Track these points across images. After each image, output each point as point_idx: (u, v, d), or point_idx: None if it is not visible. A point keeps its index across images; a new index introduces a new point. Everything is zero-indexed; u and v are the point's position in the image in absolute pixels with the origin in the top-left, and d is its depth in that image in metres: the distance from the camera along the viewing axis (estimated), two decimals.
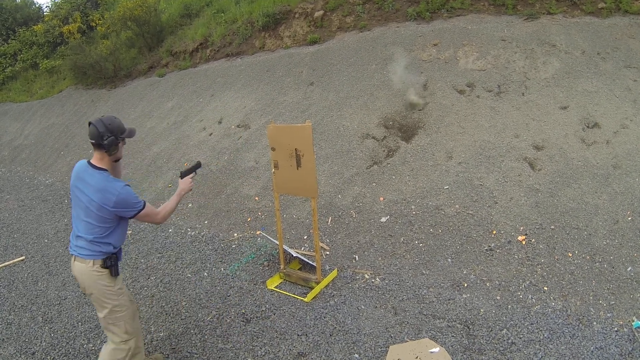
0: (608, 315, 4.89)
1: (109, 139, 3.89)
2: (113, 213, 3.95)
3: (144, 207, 4.05)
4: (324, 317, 5.39)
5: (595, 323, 4.81)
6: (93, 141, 3.92)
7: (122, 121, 4.14)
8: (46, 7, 33.36)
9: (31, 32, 23.53)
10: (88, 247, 4.00)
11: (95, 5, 21.85)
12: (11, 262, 8.11)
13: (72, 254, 4.11)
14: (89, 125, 3.94)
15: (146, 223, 4.17)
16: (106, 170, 4.01)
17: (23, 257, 8.22)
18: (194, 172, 4.72)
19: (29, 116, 19.88)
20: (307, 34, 12.23)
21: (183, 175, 4.61)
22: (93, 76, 18.12)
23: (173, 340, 5.36)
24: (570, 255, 5.63)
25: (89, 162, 4.05)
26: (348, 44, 11.10)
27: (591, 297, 5.11)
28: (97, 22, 20.30)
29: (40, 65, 22.19)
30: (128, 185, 4.03)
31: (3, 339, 5.85)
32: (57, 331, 5.80)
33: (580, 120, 7.29)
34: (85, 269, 4.02)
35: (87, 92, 18.57)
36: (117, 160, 4.23)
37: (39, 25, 22.60)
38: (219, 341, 5.24)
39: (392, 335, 4.97)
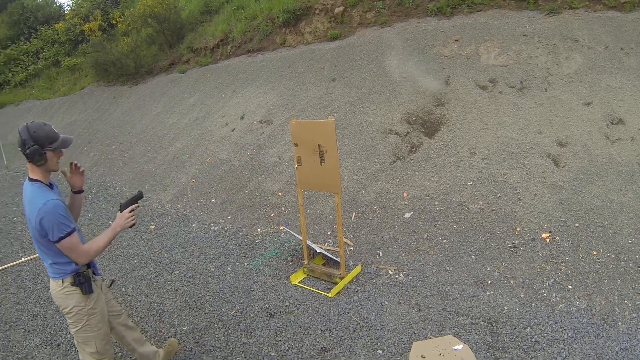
0: (633, 315, 4.84)
1: (31, 147, 3.51)
2: (38, 231, 3.58)
3: (70, 234, 3.59)
4: (348, 313, 5.41)
5: (620, 323, 4.76)
6: (20, 149, 3.58)
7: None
8: (67, 5, 33.66)
9: (53, 30, 23.81)
10: (51, 270, 3.79)
11: (115, 3, 22.01)
12: (36, 255, 8.21)
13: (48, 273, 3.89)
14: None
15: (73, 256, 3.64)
16: (39, 181, 3.69)
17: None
18: (136, 203, 4.09)
19: (51, 113, 20.06)
20: (328, 30, 12.22)
21: (123, 207, 3.99)
22: (114, 73, 18.27)
23: (196, 334, 5.42)
24: (595, 253, 5.59)
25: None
26: (369, 40, 11.09)
27: (616, 297, 5.06)
28: (117, 19, 20.45)
29: (62, 62, 22.43)
30: (61, 201, 3.69)
31: (29, 330, 5.97)
32: None
33: (604, 117, 7.23)
34: (55, 288, 3.82)
35: (108, 88, 18.72)
36: (50, 172, 3.79)
37: (61, 24, 22.81)
38: (243, 335, 5.29)
39: (415, 332, 4.97)
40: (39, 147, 3.52)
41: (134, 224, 4.02)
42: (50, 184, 3.83)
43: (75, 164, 4.21)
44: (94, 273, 4.05)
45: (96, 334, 3.98)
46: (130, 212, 3.97)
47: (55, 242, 3.54)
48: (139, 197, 4.22)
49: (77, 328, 3.91)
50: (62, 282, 3.78)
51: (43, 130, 3.56)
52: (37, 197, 3.56)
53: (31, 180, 3.68)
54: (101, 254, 3.93)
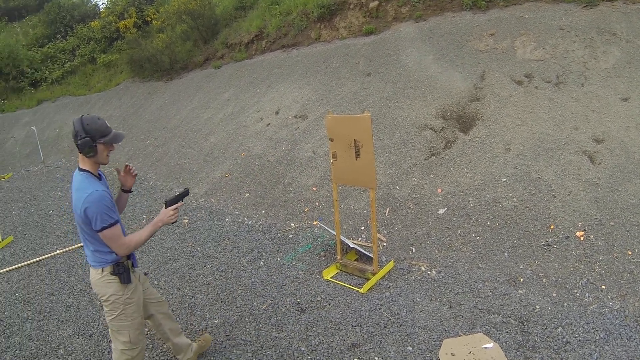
0: None
1: (83, 139, 3.64)
2: (82, 219, 3.71)
3: (113, 225, 3.72)
4: (379, 309, 5.41)
5: None
6: (73, 140, 3.72)
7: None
8: (102, 3, 34.09)
9: (88, 28, 24.18)
10: (93, 257, 3.92)
11: (150, 0, 22.23)
12: (71, 247, 8.42)
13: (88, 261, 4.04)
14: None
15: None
16: (88, 172, 3.82)
17: (82, 244, 8.47)
18: (180, 201, 4.22)
19: (87, 109, 20.34)
20: (363, 24, 12.20)
21: (168, 204, 4.10)
22: (149, 69, 18.45)
23: (227, 328, 5.47)
24: (630, 253, 5.49)
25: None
26: (404, 35, 11.04)
27: None
28: (152, 16, 20.68)
29: (97, 59, 22.73)
30: (108, 192, 3.81)
31: (62, 321, 6.10)
32: None
33: None
34: (95, 276, 3.95)
35: (143, 84, 18.95)
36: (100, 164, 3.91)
37: (96, 22, 23.14)
38: (273, 330, 5.32)
39: (446, 329, 4.96)
40: (90, 139, 3.65)
41: (175, 221, 4.14)
42: (99, 174, 3.96)
43: (129, 167, 4.31)
44: (132, 265, 4.16)
45: (130, 323, 4.07)
46: (175, 209, 4.09)
47: (97, 231, 3.66)
48: (185, 194, 4.33)
49: (113, 316, 4.00)
50: (102, 270, 3.89)
51: (96, 124, 3.69)
52: (84, 187, 3.69)
53: (81, 170, 3.82)
54: (141, 247, 3.97)
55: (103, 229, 3.64)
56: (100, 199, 3.64)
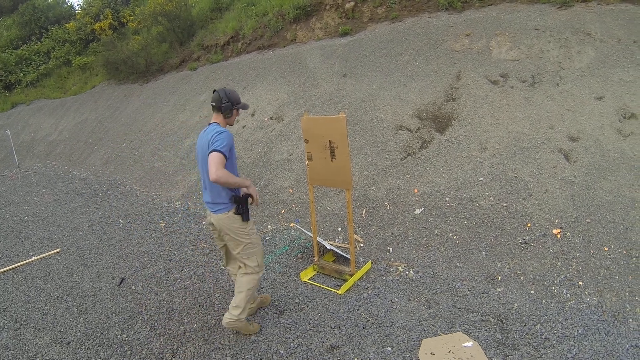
0: None
1: (225, 104, 4.72)
2: (208, 148, 4.50)
3: (221, 153, 4.40)
4: (357, 310, 5.38)
5: (631, 320, 4.72)
6: (214, 104, 4.77)
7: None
8: (78, 5, 33.84)
9: (63, 30, 23.87)
10: (219, 201, 4.73)
11: (126, 1, 22.06)
12: (47, 254, 8.26)
13: (210, 210, 4.85)
14: (214, 92, 4.81)
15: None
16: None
17: (59, 250, 8.37)
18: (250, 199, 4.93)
19: (63, 112, 20.16)
20: (339, 25, 12.21)
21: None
22: (125, 71, 18.33)
23: (206, 332, 5.39)
24: (606, 249, 5.53)
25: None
26: (380, 35, 11.06)
27: (627, 294, 5.02)
28: (128, 18, 20.48)
29: (73, 62, 22.48)
30: (228, 135, 4.59)
31: (39, 329, 5.97)
32: (92, 322, 5.90)
33: (616, 111, 7.15)
34: (222, 218, 4.73)
35: (119, 87, 18.78)
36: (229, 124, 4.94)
37: (71, 23, 22.86)
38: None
39: (425, 329, 4.94)
40: (231, 104, 4.78)
41: (254, 202, 4.93)
42: None
43: None
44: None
45: (257, 249, 4.95)
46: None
47: (210, 151, 4.43)
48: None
49: (243, 245, 4.84)
50: (228, 212, 4.73)
51: (234, 94, 4.86)
52: (220, 129, 4.60)
53: (214, 123, 4.83)
54: (228, 187, 4.60)
55: (215, 150, 4.40)
56: (230, 136, 4.57)
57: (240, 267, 5.05)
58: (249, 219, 4.85)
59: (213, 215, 4.83)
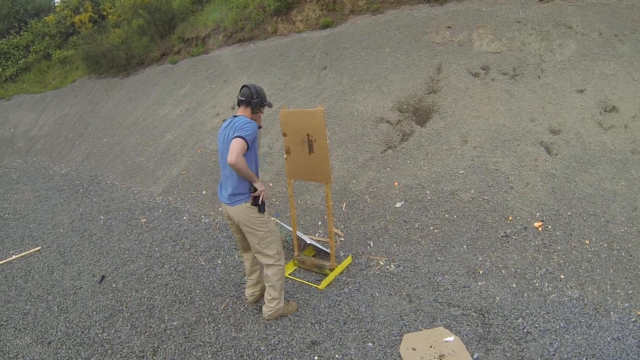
0: (626, 305, 4.81)
1: (256, 100, 4.86)
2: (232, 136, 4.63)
3: (244, 140, 4.51)
4: (338, 305, 5.36)
5: (612, 313, 4.73)
6: (243, 99, 4.87)
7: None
8: None
9: (43, 23, 23.54)
10: (238, 192, 4.83)
11: None
12: (27, 252, 8.15)
13: (226, 203, 4.95)
14: (243, 87, 4.91)
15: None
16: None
17: (39, 248, 8.26)
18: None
19: (43, 107, 19.95)
20: (320, 17, 12.14)
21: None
22: (106, 65, 18.15)
23: (186, 329, 5.34)
24: (588, 242, 5.53)
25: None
26: (361, 28, 11.01)
27: (608, 286, 5.03)
28: (108, 11, 20.20)
29: (53, 56, 22.21)
30: (256, 126, 4.75)
31: (19, 329, 5.88)
32: (73, 321, 5.82)
33: (597, 104, 7.14)
34: (240, 209, 4.83)
35: (100, 81, 18.60)
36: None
37: (51, 16, 22.55)
38: (232, 330, 5.22)
39: (406, 324, 4.92)
40: (261, 100, 4.94)
41: (262, 198, 4.95)
42: None
43: None
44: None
45: (275, 237, 5.05)
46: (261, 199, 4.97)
47: (234, 136, 4.55)
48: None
49: (262, 234, 4.94)
50: (245, 204, 4.84)
51: (263, 92, 5.02)
52: (247, 120, 4.72)
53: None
54: (242, 175, 4.67)
55: (238, 136, 4.51)
56: (256, 128, 4.73)
57: (254, 256, 5.28)
58: (264, 211, 4.98)
59: (230, 208, 4.93)
